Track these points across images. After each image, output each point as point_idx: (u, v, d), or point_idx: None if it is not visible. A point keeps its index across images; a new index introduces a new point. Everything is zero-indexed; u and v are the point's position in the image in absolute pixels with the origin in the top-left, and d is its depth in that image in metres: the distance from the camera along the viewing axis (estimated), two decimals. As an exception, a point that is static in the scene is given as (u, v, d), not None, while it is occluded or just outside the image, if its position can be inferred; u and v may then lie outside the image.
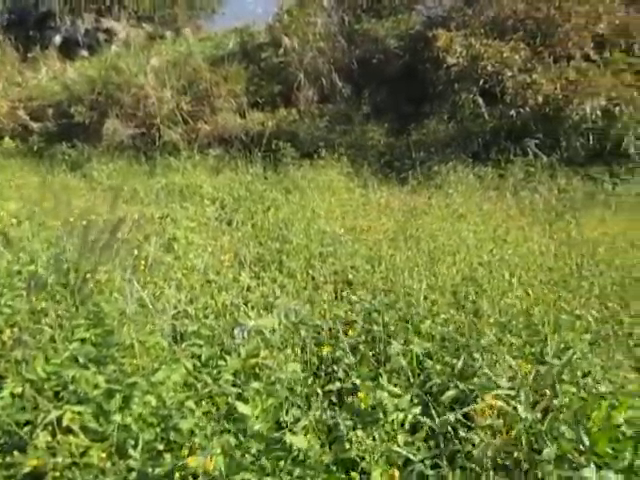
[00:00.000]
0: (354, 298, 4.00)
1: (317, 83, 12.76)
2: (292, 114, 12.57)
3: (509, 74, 10.06)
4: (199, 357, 2.97)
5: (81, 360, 2.87)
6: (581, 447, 2.12)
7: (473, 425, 2.32)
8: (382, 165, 10.57)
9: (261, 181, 9.10)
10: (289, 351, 3.21)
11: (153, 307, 3.26)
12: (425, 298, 3.77)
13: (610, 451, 2.23)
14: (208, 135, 13.12)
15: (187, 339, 3.24)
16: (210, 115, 13.77)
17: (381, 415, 2.50)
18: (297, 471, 2.31)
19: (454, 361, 3.00)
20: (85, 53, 22.33)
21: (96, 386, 2.66)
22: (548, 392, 2.69)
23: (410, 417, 2.38)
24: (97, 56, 19.81)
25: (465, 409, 2.46)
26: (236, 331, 3.32)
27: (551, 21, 10.80)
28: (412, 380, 3.02)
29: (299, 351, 3.32)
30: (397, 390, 2.66)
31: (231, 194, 8.17)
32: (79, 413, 2.46)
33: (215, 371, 2.91)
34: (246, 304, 3.83)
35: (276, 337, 3.20)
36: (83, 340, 3.17)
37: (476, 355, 2.82)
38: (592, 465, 1.99)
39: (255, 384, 2.56)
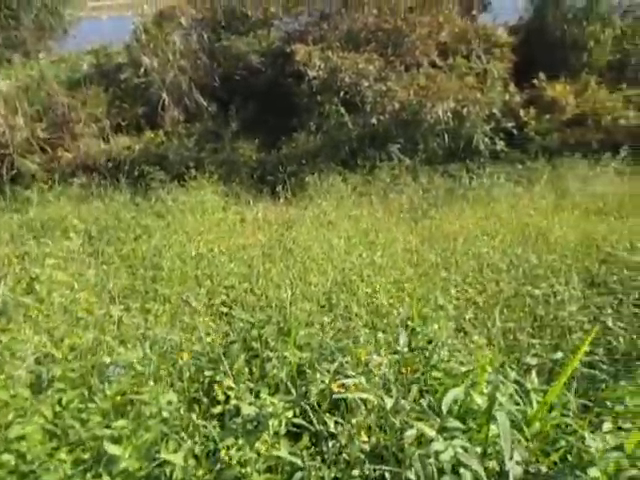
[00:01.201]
0: (232, 318, 3.98)
1: (181, 102, 12.53)
2: (159, 136, 12.22)
3: (366, 84, 10.62)
4: (60, 403, 2.78)
5: None
6: (436, 425, 2.28)
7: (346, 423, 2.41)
8: (256, 180, 10.64)
9: (130, 208, 8.74)
10: (164, 382, 3.12)
11: (3, 356, 3.00)
12: (300, 309, 3.85)
13: (468, 425, 2.42)
14: (70, 163, 12.34)
15: (52, 385, 3.02)
16: (71, 142, 12.97)
17: (261, 423, 2.51)
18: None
19: (330, 366, 3.09)
20: None
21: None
22: (415, 380, 2.87)
23: (284, 421, 2.42)
24: None
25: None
26: (110, 369, 3.16)
27: (399, 32, 11.59)
28: (292, 391, 3.06)
29: (176, 380, 3.23)
30: (274, 400, 2.70)
31: (98, 224, 7.74)
32: None
33: (83, 415, 2.74)
34: (117, 339, 3.66)
35: (150, 369, 3.09)
36: None
37: (347, 358, 2.93)
38: (441, 438, 2.14)
39: (122, 422, 2.45)
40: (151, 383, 2.97)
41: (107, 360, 2.94)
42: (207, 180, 9.94)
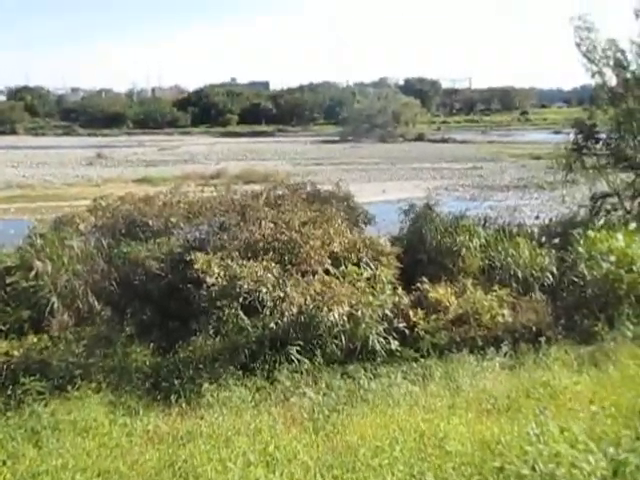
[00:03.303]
0: None
1: (73, 306, 12.09)
2: (43, 340, 11.44)
3: (265, 290, 10.99)
4: None
5: None
6: None
7: None
8: (149, 388, 10.01)
9: (-1, 425, 7.75)
10: None
11: None
12: None
13: None
14: None
15: None
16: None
17: None
18: None
19: None
20: None
21: None
22: None
23: None
24: None
25: None
26: None
27: (294, 243, 12.51)
28: None
29: None
30: None
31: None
32: None
33: None
34: None
35: None
36: None
37: None
38: None
39: None
40: None
41: None
42: (94, 390, 9.23)
